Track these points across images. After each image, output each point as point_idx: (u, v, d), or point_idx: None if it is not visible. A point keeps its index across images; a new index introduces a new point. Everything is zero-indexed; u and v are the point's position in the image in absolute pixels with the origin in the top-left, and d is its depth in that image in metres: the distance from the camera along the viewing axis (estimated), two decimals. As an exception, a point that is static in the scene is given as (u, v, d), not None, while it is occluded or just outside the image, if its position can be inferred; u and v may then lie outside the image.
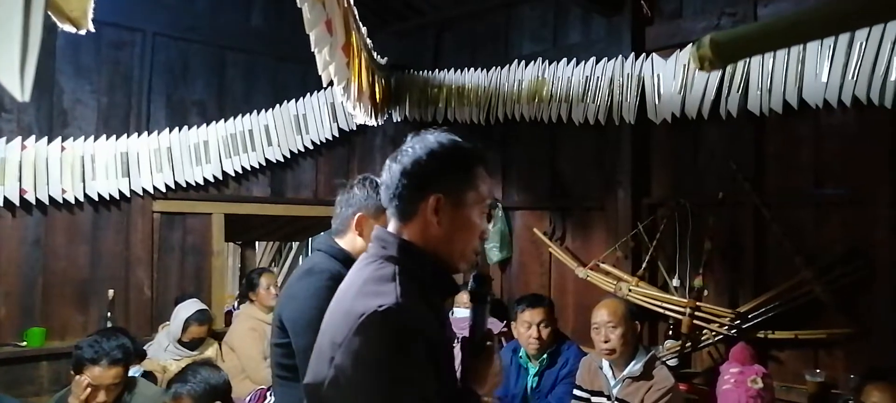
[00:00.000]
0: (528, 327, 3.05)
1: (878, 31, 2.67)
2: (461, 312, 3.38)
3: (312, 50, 2.44)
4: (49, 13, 1.34)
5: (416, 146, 1.26)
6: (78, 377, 2.40)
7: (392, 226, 1.28)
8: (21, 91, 0.68)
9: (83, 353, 2.40)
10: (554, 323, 3.10)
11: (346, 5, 2.72)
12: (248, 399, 3.64)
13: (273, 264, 7.91)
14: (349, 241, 1.86)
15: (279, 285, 4.16)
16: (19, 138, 3.55)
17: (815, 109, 2.90)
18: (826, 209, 2.98)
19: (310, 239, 6.00)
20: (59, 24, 1.40)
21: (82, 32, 1.37)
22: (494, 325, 3.77)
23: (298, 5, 2.14)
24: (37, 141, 3.61)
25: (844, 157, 2.93)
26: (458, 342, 1.33)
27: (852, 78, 2.73)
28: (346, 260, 1.75)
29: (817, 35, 1.72)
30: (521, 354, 3.15)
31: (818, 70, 2.84)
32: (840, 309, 2.87)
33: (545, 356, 3.06)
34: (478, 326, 1.31)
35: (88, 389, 2.37)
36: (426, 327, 1.15)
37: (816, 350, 2.98)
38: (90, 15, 1.42)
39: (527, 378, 3.11)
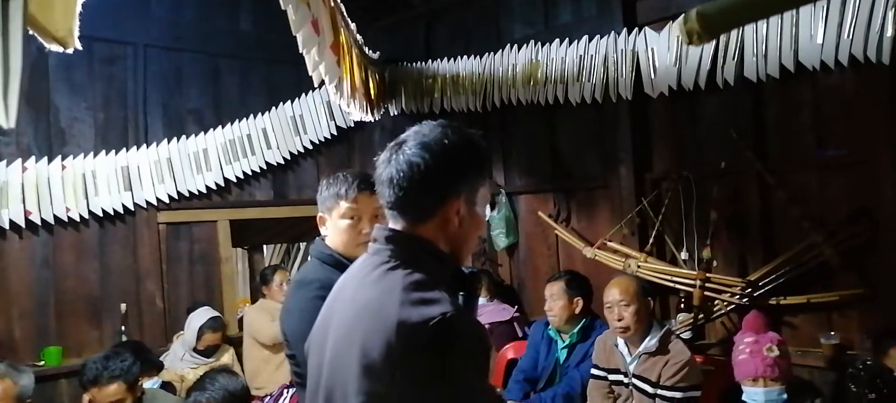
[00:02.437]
0: (545, 300, 3.15)
1: (871, -12, 2.63)
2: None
3: (301, 51, 2.43)
4: (35, 35, 1.34)
5: (427, 141, 1.16)
6: (84, 395, 2.50)
7: (401, 225, 1.19)
8: (6, 117, 0.68)
9: (83, 374, 2.50)
10: (570, 298, 3.11)
11: (332, 4, 2.70)
12: (266, 399, 3.68)
13: (282, 266, 7.92)
14: (330, 241, 1.87)
15: (290, 284, 4.20)
16: (19, 160, 3.56)
17: (813, 72, 2.87)
18: (830, 171, 2.96)
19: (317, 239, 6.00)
20: (45, 44, 1.39)
21: (69, 51, 1.37)
22: (506, 311, 3.79)
23: (282, 7, 2.13)
24: (37, 162, 3.62)
25: (844, 118, 2.90)
26: None
27: (848, 37, 2.69)
28: (336, 263, 1.75)
29: (806, 1, 1.70)
30: (550, 329, 3.20)
31: (813, 32, 2.80)
32: (850, 271, 2.85)
33: (575, 331, 3.10)
34: None
35: None
36: (482, 330, 1.15)
37: (830, 313, 2.97)
38: (76, 33, 1.41)
39: (556, 352, 3.16)
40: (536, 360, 3.24)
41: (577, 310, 3.11)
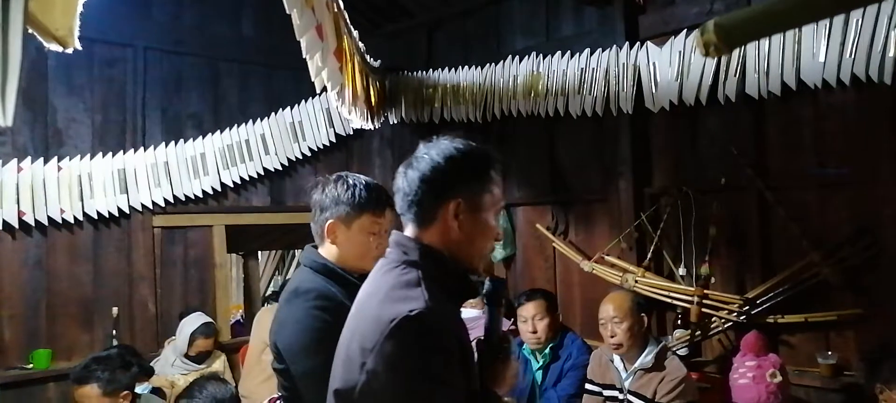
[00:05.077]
0: (524, 321, 3.07)
1: (873, 8, 2.64)
2: (468, 313, 3.37)
3: (304, 56, 2.42)
4: (34, 33, 1.32)
5: (432, 152, 1.27)
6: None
7: (410, 231, 1.29)
8: (3, 116, 0.67)
9: (73, 374, 2.54)
10: (552, 315, 3.08)
11: (335, 9, 2.69)
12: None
13: (277, 273, 7.89)
14: (327, 251, 1.73)
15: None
16: (15, 160, 3.53)
17: (814, 90, 2.87)
18: (830, 190, 2.95)
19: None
20: (45, 43, 1.37)
21: (69, 51, 1.35)
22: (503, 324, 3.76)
23: (287, 11, 2.12)
24: (33, 162, 3.59)
25: (846, 137, 2.90)
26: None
27: (850, 56, 2.70)
28: (331, 273, 1.67)
29: (829, 13, 1.68)
30: (525, 349, 3.15)
31: (815, 50, 2.81)
32: (849, 290, 2.84)
33: (548, 350, 3.06)
34: (494, 328, 1.34)
35: None
36: (455, 330, 1.20)
37: (827, 333, 2.95)
38: (76, 33, 1.40)
39: (532, 373, 3.12)
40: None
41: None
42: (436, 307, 1.15)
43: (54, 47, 1.41)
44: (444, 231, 1.26)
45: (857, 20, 2.68)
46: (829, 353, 2.87)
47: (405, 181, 1.28)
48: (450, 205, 1.25)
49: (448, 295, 1.24)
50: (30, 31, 1.22)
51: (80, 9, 1.43)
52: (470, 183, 1.27)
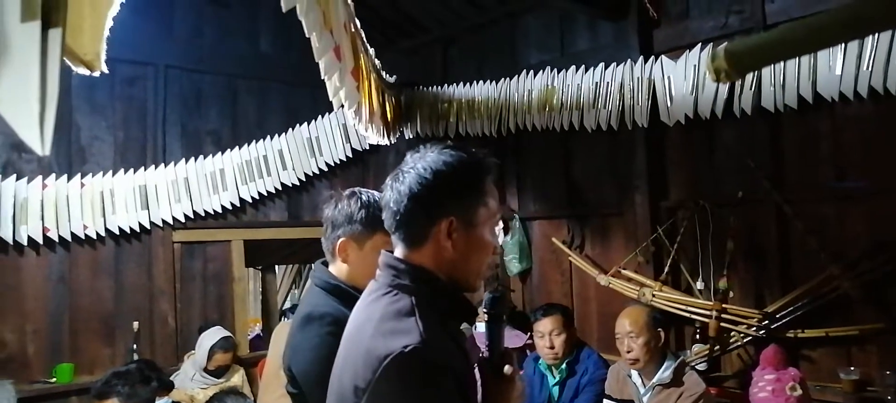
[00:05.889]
0: (541, 337, 3.06)
1: (891, 20, 2.62)
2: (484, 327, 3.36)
3: (322, 77, 2.46)
4: (64, 58, 1.36)
5: (419, 166, 1.18)
6: None
7: (400, 251, 1.20)
8: (41, 145, 0.69)
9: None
10: (569, 330, 3.07)
11: (353, 30, 2.73)
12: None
13: (294, 286, 7.93)
14: (338, 269, 1.69)
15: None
16: (40, 177, 3.61)
17: (831, 102, 2.86)
18: (848, 203, 2.92)
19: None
20: (73, 67, 1.41)
21: (96, 74, 1.39)
22: (519, 338, 3.76)
23: (307, 35, 2.16)
24: (57, 179, 3.67)
25: (864, 149, 2.88)
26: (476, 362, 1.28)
27: (867, 69, 2.69)
28: (342, 294, 1.62)
29: (836, 41, 1.68)
30: (541, 364, 3.14)
31: (831, 62, 2.80)
32: (870, 304, 2.81)
33: (564, 365, 3.05)
34: (495, 346, 1.25)
35: None
36: (452, 361, 1.10)
37: (849, 347, 2.91)
38: (103, 57, 1.44)
39: (549, 389, 3.11)
40: (530, 397, 3.14)
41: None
42: (431, 339, 1.07)
43: (82, 71, 1.45)
44: (436, 251, 1.16)
45: (875, 34, 2.67)
46: (852, 368, 2.83)
47: (392, 195, 1.19)
48: (442, 225, 1.15)
49: (444, 319, 1.16)
50: (60, 56, 1.26)
51: (107, 33, 1.48)
52: (462, 198, 1.17)
